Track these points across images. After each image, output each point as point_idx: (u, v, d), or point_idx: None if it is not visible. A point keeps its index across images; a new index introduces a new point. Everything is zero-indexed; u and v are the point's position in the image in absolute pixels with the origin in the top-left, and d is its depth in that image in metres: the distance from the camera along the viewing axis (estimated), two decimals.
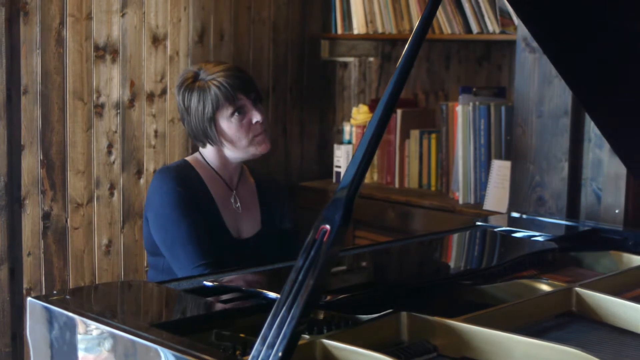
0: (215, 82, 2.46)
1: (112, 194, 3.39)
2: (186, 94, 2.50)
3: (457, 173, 3.55)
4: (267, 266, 2.12)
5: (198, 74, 2.51)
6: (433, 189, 3.78)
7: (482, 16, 3.47)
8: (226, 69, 2.51)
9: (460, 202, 3.52)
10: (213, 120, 2.48)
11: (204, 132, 2.50)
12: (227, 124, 2.48)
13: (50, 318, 1.65)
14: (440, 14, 3.58)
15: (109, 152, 3.37)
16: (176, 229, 2.41)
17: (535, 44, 2.97)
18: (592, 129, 2.95)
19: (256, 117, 2.50)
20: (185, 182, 2.47)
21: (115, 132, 3.38)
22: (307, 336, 1.56)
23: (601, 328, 1.80)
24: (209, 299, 1.77)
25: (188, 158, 2.59)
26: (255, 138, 2.50)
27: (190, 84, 2.50)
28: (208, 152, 2.56)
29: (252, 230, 2.58)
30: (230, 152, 2.53)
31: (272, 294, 1.75)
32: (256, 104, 2.52)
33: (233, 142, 2.50)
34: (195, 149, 2.70)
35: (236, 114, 2.48)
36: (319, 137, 4.27)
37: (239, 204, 2.57)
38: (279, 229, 2.65)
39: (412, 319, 1.67)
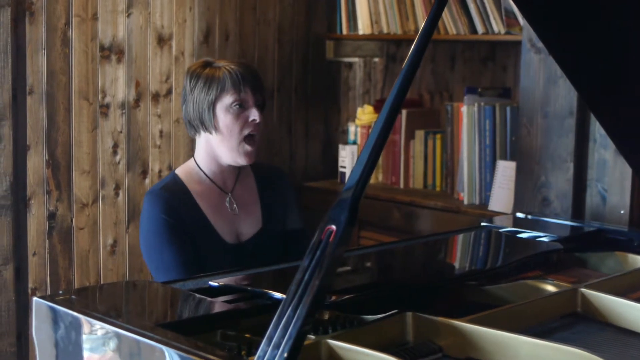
0: (227, 68, 2.44)
1: (117, 194, 3.39)
2: (194, 76, 2.47)
3: (462, 173, 3.55)
4: (270, 267, 2.12)
5: (211, 62, 2.50)
6: (438, 189, 3.78)
7: (488, 16, 3.47)
8: (242, 62, 2.51)
9: (465, 202, 3.52)
10: (213, 105, 2.43)
11: (200, 116, 2.45)
12: (225, 112, 2.43)
13: (56, 318, 1.65)
14: (445, 14, 3.58)
15: (114, 152, 3.37)
16: (160, 255, 2.39)
17: (540, 45, 2.97)
18: (597, 130, 2.95)
19: (254, 116, 2.44)
20: (171, 205, 2.42)
21: (121, 132, 3.38)
22: (312, 336, 1.56)
23: (606, 329, 1.80)
24: (215, 299, 1.77)
25: (178, 170, 2.54)
26: (245, 144, 2.45)
27: (200, 68, 2.48)
28: (201, 151, 2.52)
29: (252, 230, 2.54)
30: (219, 149, 2.47)
31: (278, 294, 1.75)
32: (259, 105, 2.49)
33: (224, 135, 2.44)
34: None
35: (237, 105, 2.43)
36: (324, 138, 4.27)
37: (235, 205, 2.53)
38: (283, 227, 2.61)
39: (417, 319, 1.68)
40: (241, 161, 2.47)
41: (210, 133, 2.47)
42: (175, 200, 2.44)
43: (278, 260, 2.25)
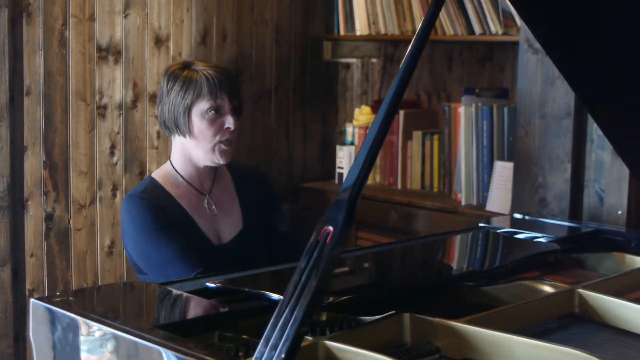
0: (205, 73, 2.43)
1: (114, 195, 3.39)
2: (172, 78, 2.46)
3: (460, 174, 3.55)
4: (268, 268, 2.12)
5: (189, 64, 2.49)
6: (435, 190, 3.78)
7: (485, 17, 3.47)
8: (219, 67, 2.50)
9: (463, 203, 3.52)
10: (188, 109, 2.43)
11: (175, 120, 2.45)
12: (200, 118, 2.43)
13: (53, 319, 1.65)
14: (442, 15, 3.57)
15: (112, 153, 3.37)
16: (158, 250, 2.37)
17: (537, 45, 2.97)
18: (594, 130, 2.95)
19: (229, 123, 2.44)
20: (153, 203, 2.42)
21: (118, 133, 3.38)
22: (309, 337, 1.56)
23: (604, 329, 1.80)
24: (212, 300, 1.77)
25: (154, 174, 2.54)
26: (220, 144, 2.45)
27: (178, 69, 2.47)
28: (177, 153, 2.51)
29: (233, 231, 2.53)
30: (194, 151, 2.47)
31: (275, 296, 1.75)
32: (234, 112, 2.48)
33: (198, 140, 2.44)
34: None
35: (212, 111, 2.43)
36: (322, 138, 4.27)
37: (213, 206, 2.52)
38: (265, 227, 2.59)
39: (415, 320, 1.68)
40: (218, 160, 2.47)
41: (185, 137, 2.47)
42: (157, 200, 2.44)
43: (262, 262, 2.24)
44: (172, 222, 2.41)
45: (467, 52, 3.92)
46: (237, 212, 2.56)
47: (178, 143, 2.50)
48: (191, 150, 2.48)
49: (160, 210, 2.41)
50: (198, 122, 2.44)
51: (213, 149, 2.45)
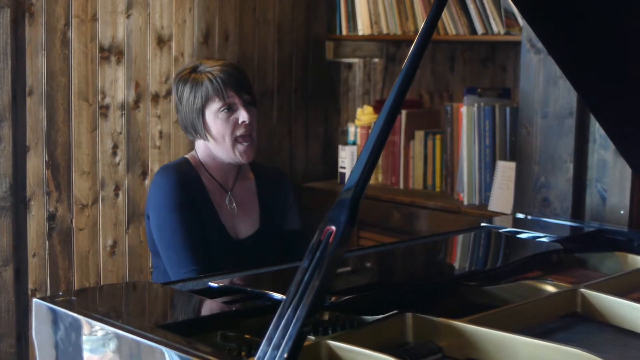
0: (209, 74, 2.45)
1: (117, 195, 3.39)
2: (180, 84, 2.50)
3: (462, 174, 3.55)
4: (270, 267, 2.12)
5: (197, 66, 2.51)
6: (438, 190, 3.78)
7: (487, 17, 3.47)
8: (224, 64, 2.50)
9: (465, 203, 3.52)
10: (201, 112, 2.46)
11: (192, 124, 2.49)
12: (214, 118, 2.46)
13: (56, 319, 1.65)
14: (445, 14, 3.58)
15: (114, 153, 3.37)
16: (173, 233, 2.41)
17: (540, 45, 2.97)
18: (597, 130, 2.95)
19: (243, 117, 2.46)
20: (185, 182, 2.46)
21: (120, 133, 3.38)
22: (312, 337, 1.56)
23: (606, 329, 1.80)
24: (215, 299, 1.77)
25: (188, 156, 2.58)
26: (239, 144, 2.47)
27: (187, 75, 2.50)
28: (200, 151, 2.55)
29: (250, 230, 2.55)
30: (217, 151, 2.51)
31: (278, 295, 1.75)
32: (247, 105, 2.49)
33: (217, 140, 2.48)
34: None
35: (224, 110, 2.45)
36: (324, 138, 4.27)
37: (234, 204, 2.55)
38: (280, 228, 2.62)
39: (417, 320, 1.68)
40: (239, 160, 2.51)
41: (206, 139, 2.50)
42: (189, 177, 2.49)
43: (275, 261, 2.26)
44: (195, 209, 2.45)
45: (469, 52, 3.92)
46: (256, 213, 2.59)
47: (201, 143, 2.54)
48: (214, 150, 2.52)
49: (189, 190, 2.45)
50: (212, 122, 2.47)
51: (233, 149, 2.48)
